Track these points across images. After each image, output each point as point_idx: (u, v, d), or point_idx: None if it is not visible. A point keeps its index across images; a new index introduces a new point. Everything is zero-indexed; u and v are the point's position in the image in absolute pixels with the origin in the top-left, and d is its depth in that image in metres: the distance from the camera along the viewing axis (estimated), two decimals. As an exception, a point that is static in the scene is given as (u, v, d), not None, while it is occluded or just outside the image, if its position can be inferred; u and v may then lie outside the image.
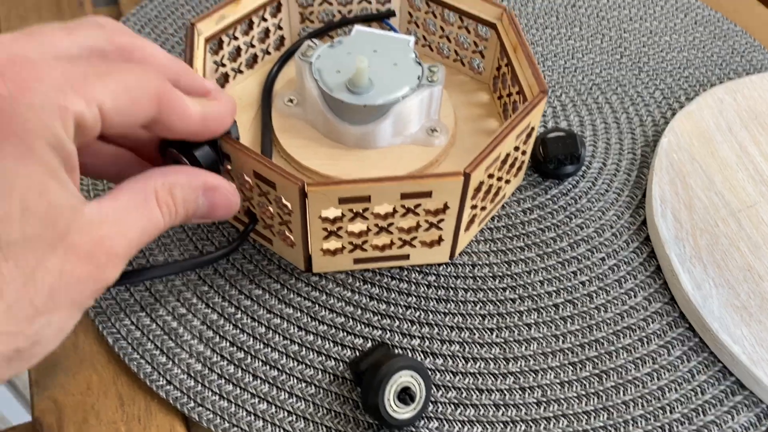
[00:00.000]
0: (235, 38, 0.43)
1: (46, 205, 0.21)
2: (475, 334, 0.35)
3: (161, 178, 0.26)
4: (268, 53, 0.46)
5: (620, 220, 0.40)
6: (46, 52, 0.23)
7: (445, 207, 0.34)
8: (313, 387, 0.32)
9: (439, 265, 0.38)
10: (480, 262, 0.38)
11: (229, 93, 0.44)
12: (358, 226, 0.35)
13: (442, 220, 0.35)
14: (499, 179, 0.38)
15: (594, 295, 0.37)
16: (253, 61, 0.45)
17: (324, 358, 0.33)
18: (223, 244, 0.38)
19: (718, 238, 0.37)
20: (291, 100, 0.42)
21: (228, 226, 0.39)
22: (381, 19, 0.46)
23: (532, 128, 0.38)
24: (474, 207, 0.36)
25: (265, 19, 0.44)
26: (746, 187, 0.40)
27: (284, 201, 0.33)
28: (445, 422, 0.31)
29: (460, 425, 0.31)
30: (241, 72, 0.45)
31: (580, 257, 0.38)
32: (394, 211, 0.34)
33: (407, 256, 0.37)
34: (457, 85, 0.46)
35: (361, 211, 0.33)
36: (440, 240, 0.36)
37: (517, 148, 0.37)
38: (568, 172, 0.41)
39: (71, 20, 0.26)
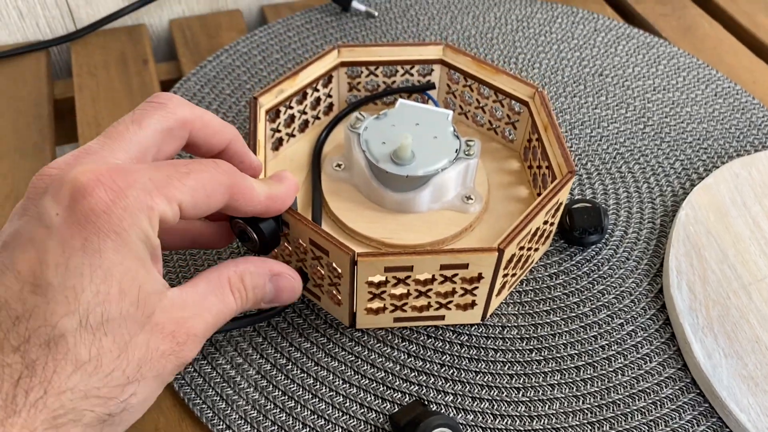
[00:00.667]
0: (290, 107, 0.47)
1: (137, 289, 0.26)
2: (503, 392, 0.38)
3: (233, 267, 0.30)
4: (318, 118, 0.51)
5: (639, 287, 0.43)
6: (132, 155, 0.28)
7: (480, 276, 0.38)
8: (356, 437, 0.36)
9: (472, 325, 0.41)
10: (509, 324, 0.41)
11: (282, 155, 0.49)
12: (399, 289, 0.38)
13: (476, 288, 0.38)
14: (529, 249, 0.41)
15: (612, 358, 0.40)
16: (304, 125, 0.50)
17: (366, 410, 0.37)
18: None
19: (729, 309, 0.41)
20: (339, 165, 0.46)
21: (280, 281, 0.43)
22: (422, 90, 0.50)
23: (561, 203, 0.42)
24: (506, 275, 0.40)
25: (317, 90, 0.49)
26: (758, 261, 0.43)
27: (335, 266, 0.37)
28: (474, 474, 0.35)
29: (488, 478, 0.35)
30: (293, 136, 0.49)
31: (600, 322, 0.42)
32: (433, 278, 0.38)
33: (443, 317, 0.41)
34: (490, 152, 0.50)
35: (403, 278, 0.37)
36: (473, 304, 0.40)
37: (546, 222, 0.41)
38: (592, 240, 0.45)
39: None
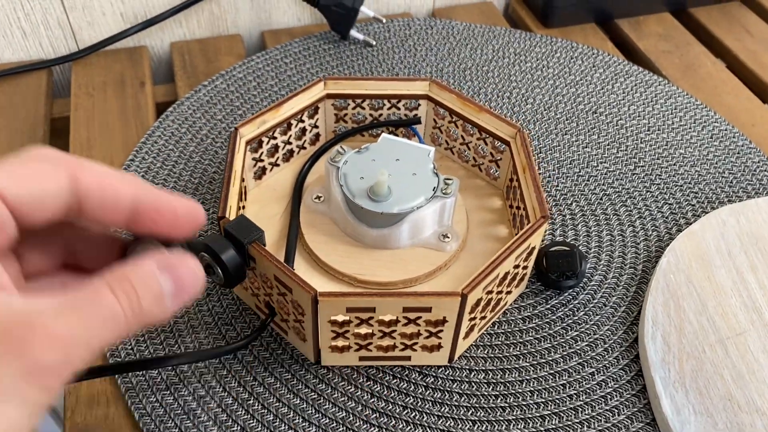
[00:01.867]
0: (274, 138, 0.47)
1: None
2: (463, 439, 0.38)
3: (115, 271, 0.25)
4: (304, 148, 0.51)
5: (614, 336, 0.42)
6: None
7: (444, 320, 0.37)
8: (310, 478, 0.36)
9: (439, 367, 0.41)
10: (477, 368, 0.41)
11: (265, 184, 0.49)
12: (364, 329, 0.38)
13: (441, 331, 0.38)
14: (500, 293, 0.41)
15: (580, 409, 0.39)
16: (289, 155, 0.50)
17: (323, 450, 0.37)
18: (244, 330, 0.42)
19: (703, 364, 0.40)
20: (318, 197, 0.46)
21: (251, 313, 0.43)
22: (408, 125, 0.50)
23: (533, 248, 0.41)
24: (473, 319, 0.39)
25: (302, 121, 0.49)
26: (738, 314, 0.42)
27: (299, 304, 0.37)
28: None
29: None
30: (277, 165, 0.49)
31: (571, 370, 0.41)
32: (397, 320, 0.37)
33: (409, 358, 0.40)
34: (473, 189, 0.49)
35: (366, 318, 0.37)
36: (439, 346, 0.39)
37: (517, 266, 0.40)
38: (568, 285, 0.44)
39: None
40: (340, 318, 0.37)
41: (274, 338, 0.42)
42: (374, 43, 0.64)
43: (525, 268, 0.42)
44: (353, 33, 0.63)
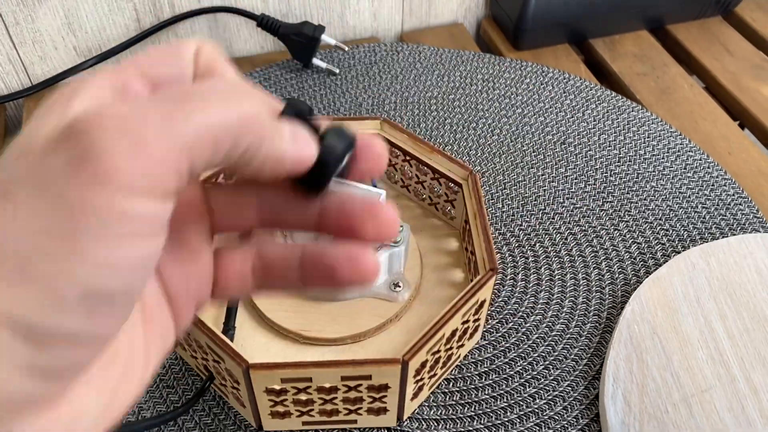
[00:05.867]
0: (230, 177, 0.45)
1: None
2: None
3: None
4: None
5: (574, 392, 0.40)
6: None
7: (387, 386, 0.35)
8: None
9: (388, 428, 0.39)
10: (428, 430, 0.38)
11: None
12: (303, 396, 0.36)
13: (384, 396, 0.36)
14: (449, 349, 0.39)
15: (535, 475, 0.37)
16: None
17: None
18: (187, 393, 0.40)
19: (666, 425, 0.37)
20: None
21: (194, 374, 0.41)
22: None
23: (483, 301, 0.39)
24: (419, 380, 0.37)
25: None
26: (704, 369, 0.40)
27: (232, 373, 0.35)
28: None
29: None
30: None
31: (527, 431, 0.39)
32: (337, 387, 0.35)
33: (355, 421, 0.38)
34: (429, 229, 0.47)
35: (303, 387, 0.35)
36: (385, 410, 0.37)
37: (466, 321, 0.38)
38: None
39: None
40: (277, 387, 0.35)
41: (217, 402, 0.40)
42: (338, 71, 0.62)
43: (477, 320, 0.40)
44: (316, 61, 0.61)
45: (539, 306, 0.44)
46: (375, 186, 0.47)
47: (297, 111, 0.20)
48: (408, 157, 0.46)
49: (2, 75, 0.59)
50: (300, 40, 0.59)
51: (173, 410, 0.38)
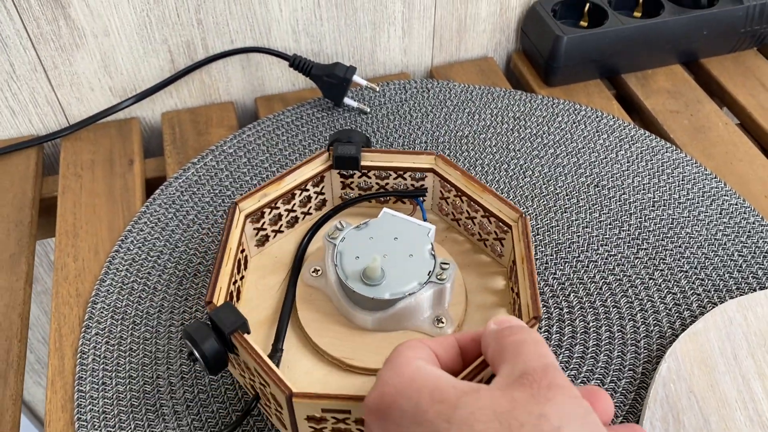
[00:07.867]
0: (276, 207, 0.46)
1: None
2: None
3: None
4: (309, 213, 0.50)
5: (610, 452, 0.40)
6: None
7: None
8: None
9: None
10: (462, 491, 0.39)
11: (268, 251, 0.48)
12: (342, 425, 0.37)
13: None
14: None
15: None
16: (294, 221, 0.49)
17: None
18: (236, 411, 0.41)
19: (704, 491, 0.37)
20: (316, 270, 0.45)
21: (245, 394, 0.41)
22: (413, 196, 0.49)
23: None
24: None
25: (306, 190, 0.48)
26: (742, 430, 0.39)
27: (276, 398, 0.36)
28: None
29: None
30: (281, 231, 0.48)
31: (563, 493, 0.38)
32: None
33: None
34: (476, 265, 0.47)
35: (342, 419, 0.36)
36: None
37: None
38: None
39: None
40: (317, 415, 0.36)
41: (261, 417, 0.41)
42: (368, 110, 0.62)
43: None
44: (347, 100, 0.62)
45: (574, 360, 0.44)
46: (425, 220, 0.48)
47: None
48: (459, 193, 0.47)
49: (41, 116, 0.60)
50: (332, 81, 0.60)
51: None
